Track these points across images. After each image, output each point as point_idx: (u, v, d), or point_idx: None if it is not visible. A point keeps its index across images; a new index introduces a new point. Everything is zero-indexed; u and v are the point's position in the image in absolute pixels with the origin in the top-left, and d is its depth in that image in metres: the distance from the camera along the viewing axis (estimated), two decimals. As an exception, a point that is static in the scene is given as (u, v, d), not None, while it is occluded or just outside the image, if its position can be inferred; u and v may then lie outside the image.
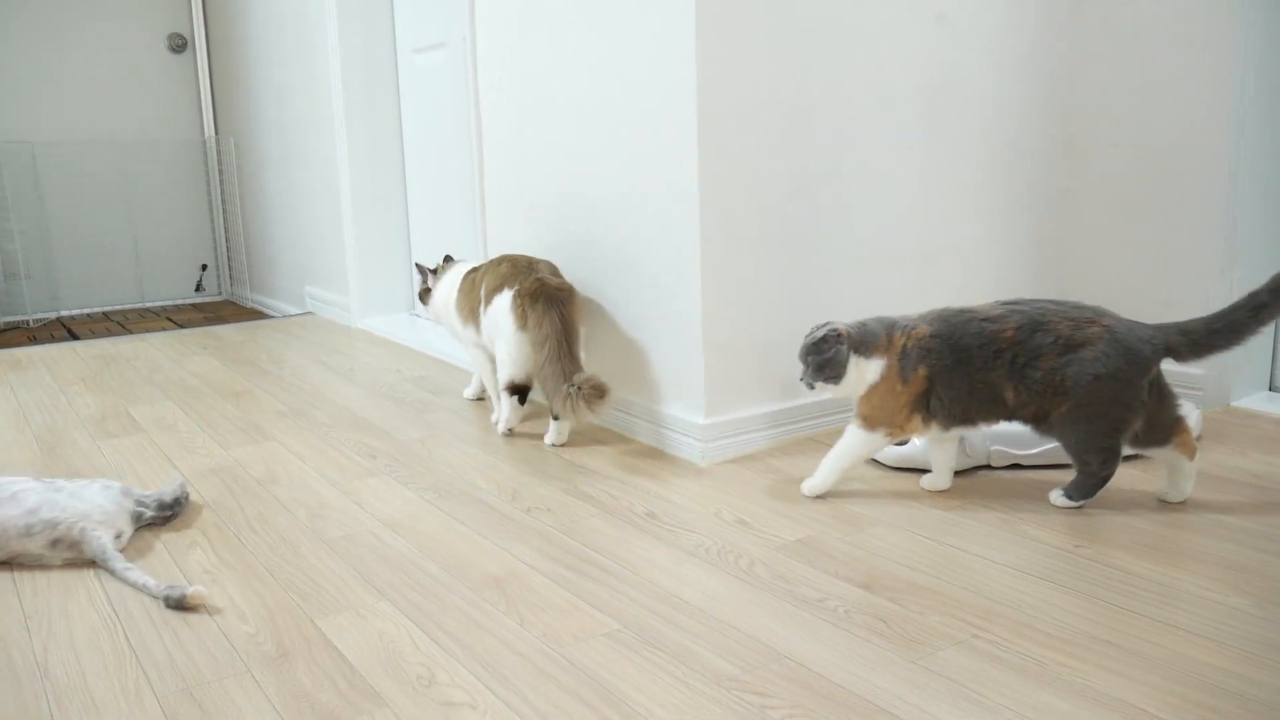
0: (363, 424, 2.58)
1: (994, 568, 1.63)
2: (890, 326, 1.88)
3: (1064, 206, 2.73)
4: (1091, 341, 1.75)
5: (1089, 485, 1.84)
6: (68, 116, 4.93)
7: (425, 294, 2.76)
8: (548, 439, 2.38)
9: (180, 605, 1.57)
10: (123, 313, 5.03)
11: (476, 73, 2.84)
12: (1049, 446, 2.06)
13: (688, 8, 2.05)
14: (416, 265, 2.84)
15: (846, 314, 2.35)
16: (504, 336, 2.37)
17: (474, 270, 2.59)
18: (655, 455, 2.26)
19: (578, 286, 2.54)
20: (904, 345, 1.86)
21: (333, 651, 1.43)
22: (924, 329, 1.85)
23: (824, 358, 1.87)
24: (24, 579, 1.70)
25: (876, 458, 2.13)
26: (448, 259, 2.77)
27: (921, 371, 1.83)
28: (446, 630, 1.48)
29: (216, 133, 5.23)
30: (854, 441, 1.91)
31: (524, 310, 2.32)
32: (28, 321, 4.75)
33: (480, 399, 2.79)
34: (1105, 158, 2.63)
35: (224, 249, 5.34)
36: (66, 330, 4.48)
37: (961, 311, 1.86)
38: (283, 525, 1.91)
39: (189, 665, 1.40)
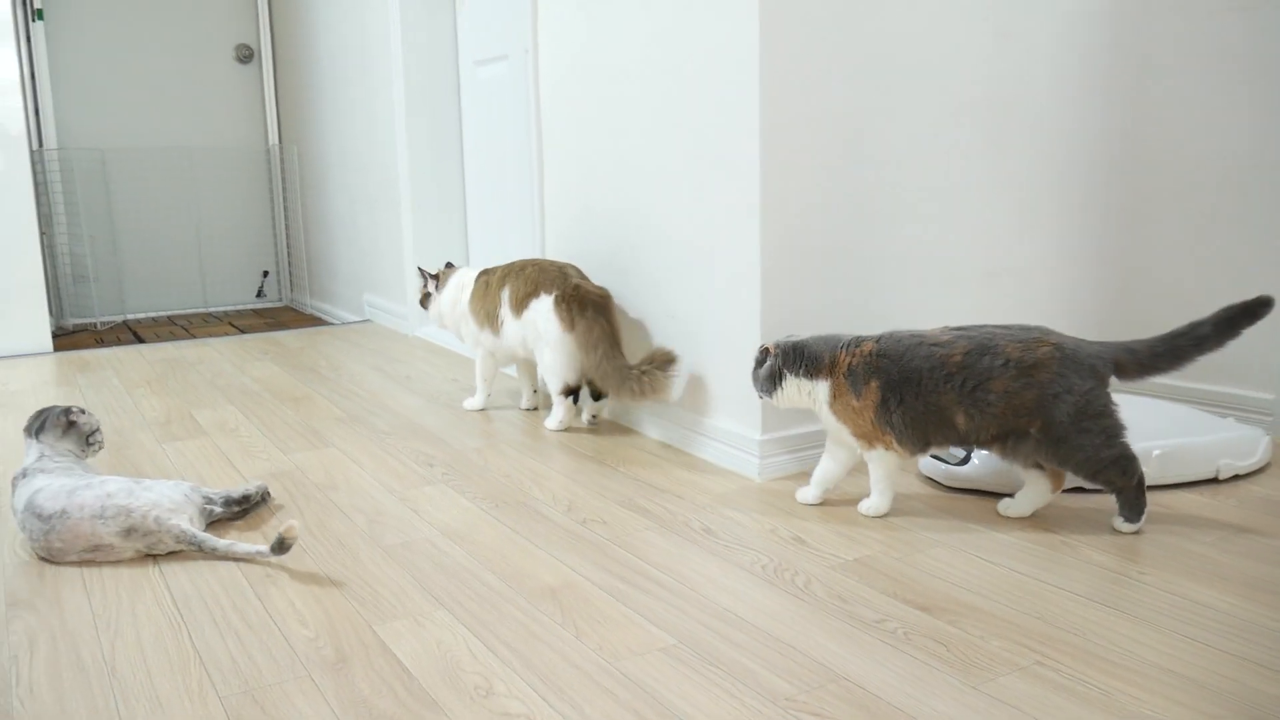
0: (420, 432, 2.61)
1: (1056, 593, 1.60)
2: (834, 347, 1.90)
3: (1130, 224, 2.68)
4: (1043, 362, 1.77)
5: (1133, 500, 1.82)
6: (137, 124, 5.05)
7: (426, 299, 2.87)
8: (584, 415, 2.62)
9: (281, 545, 1.73)
10: (186, 317, 5.13)
11: (538, 84, 2.86)
12: (1113, 470, 2.02)
13: (752, 22, 2.05)
14: (419, 269, 2.93)
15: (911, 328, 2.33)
16: (550, 341, 2.47)
17: (486, 273, 2.69)
18: (711, 470, 2.25)
19: (635, 298, 2.55)
20: (849, 364, 1.88)
21: (391, 658, 1.44)
22: (869, 345, 1.88)
23: (757, 372, 1.96)
24: (93, 581, 1.73)
25: (934, 478, 2.11)
26: (449, 265, 2.89)
27: (873, 384, 1.85)
28: (503, 640, 1.48)
29: (280, 141, 5.33)
30: (872, 463, 1.93)
31: (570, 315, 2.43)
32: (96, 324, 4.86)
33: (534, 408, 2.81)
34: (1172, 174, 2.58)
35: (285, 256, 5.43)
36: (132, 333, 4.58)
37: (911, 335, 1.88)
38: (342, 531, 1.93)
39: (250, 667, 1.42)
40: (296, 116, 5.11)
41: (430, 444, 2.49)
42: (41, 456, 1.91)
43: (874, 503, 1.95)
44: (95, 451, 2.02)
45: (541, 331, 2.48)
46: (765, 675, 1.37)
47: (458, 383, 3.15)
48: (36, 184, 4.03)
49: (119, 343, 4.20)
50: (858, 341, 1.89)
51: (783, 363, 1.92)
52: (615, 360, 2.40)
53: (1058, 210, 2.57)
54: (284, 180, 5.32)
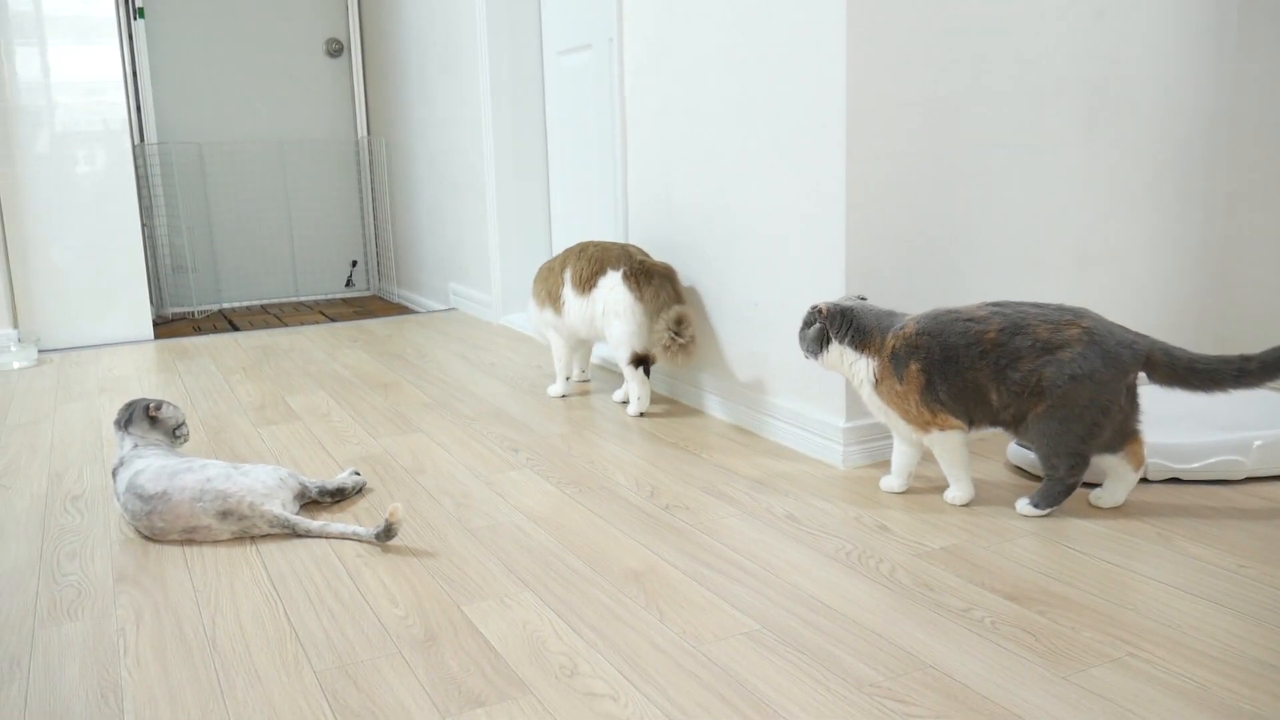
0: (504, 418, 2.64)
1: (1151, 584, 1.56)
2: (884, 326, 1.88)
3: (1230, 210, 2.59)
4: (1069, 343, 1.74)
5: (1056, 492, 1.82)
6: (232, 118, 5.19)
7: None
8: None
9: (388, 530, 1.79)
10: (279, 306, 5.27)
11: (623, 73, 2.87)
12: (1211, 461, 1.96)
13: (839, 5, 2.03)
14: None
15: (994, 318, 2.29)
16: (619, 312, 2.58)
17: (546, 265, 2.84)
18: (794, 457, 2.25)
19: (718, 287, 2.54)
20: (893, 347, 1.85)
21: (478, 637, 1.47)
22: (911, 328, 1.85)
23: (804, 331, 1.94)
24: (194, 559, 1.80)
25: (1022, 466, 2.07)
26: None
27: (914, 367, 1.83)
28: (588, 622, 1.50)
29: (369, 133, 5.43)
30: (935, 448, 1.91)
31: (638, 284, 2.56)
32: (193, 313, 5.02)
33: (585, 379, 3.01)
34: (1275, 158, 2.49)
35: (373, 246, 5.54)
36: (228, 322, 4.72)
37: (949, 312, 1.85)
38: (430, 514, 1.97)
39: (344, 643, 1.46)
40: (385, 109, 5.21)
41: (514, 429, 2.53)
42: (135, 445, 1.98)
43: (954, 492, 1.93)
44: (182, 443, 2.08)
45: (610, 305, 2.58)
46: (850, 662, 1.36)
47: (540, 369, 3.18)
48: (138, 177, 4.18)
49: (215, 330, 4.34)
50: (903, 323, 1.87)
51: (830, 326, 1.91)
52: (666, 326, 2.50)
53: (1153, 195, 2.50)
54: (372, 172, 5.43)
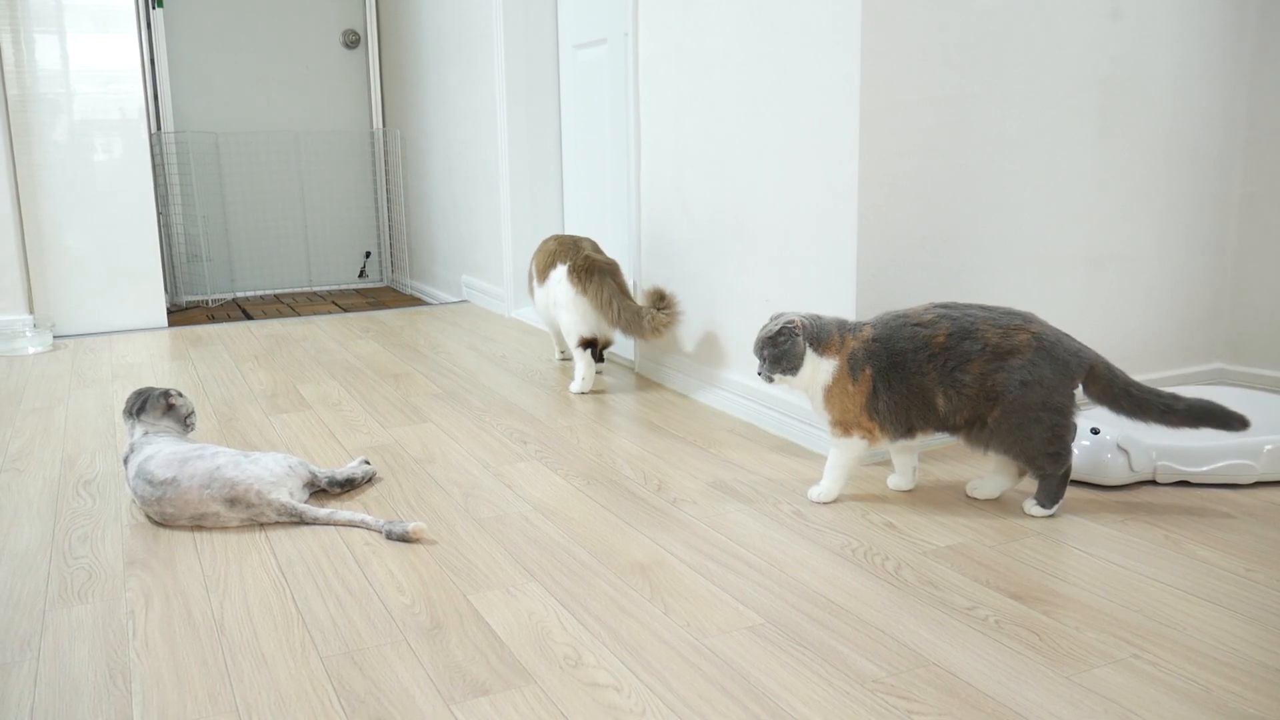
0: (514, 409, 2.65)
1: (1157, 587, 1.56)
2: (842, 327, 1.88)
3: (1247, 213, 2.58)
4: (1019, 349, 1.77)
5: (1054, 489, 1.84)
6: (248, 108, 5.21)
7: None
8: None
9: (403, 538, 1.79)
10: (292, 296, 5.29)
11: (637, 68, 2.87)
12: (1221, 464, 1.96)
13: (854, 3, 2.03)
14: None
15: (1005, 318, 2.29)
16: (565, 304, 2.81)
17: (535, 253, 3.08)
18: (802, 454, 2.25)
19: (729, 281, 2.55)
20: (853, 348, 1.86)
21: (484, 626, 1.48)
22: (867, 330, 1.86)
23: (780, 350, 1.87)
24: (204, 544, 1.81)
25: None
26: None
27: (868, 372, 1.84)
28: (593, 613, 1.51)
29: (384, 125, 5.45)
30: (837, 450, 1.92)
31: (581, 281, 2.78)
32: (207, 301, 5.05)
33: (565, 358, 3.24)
34: (1295, 161, 2.48)
35: (387, 238, 5.56)
36: (241, 310, 4.74)
37: (898, 316, 1.87)
38: (438, 503, 1.98)
39: (350, 630, 1.47)
40: (400, 101, 5.22)
41: (524, 421, 2.54)
42: (146, 433, 1.99)
43: (825, 489, 1.94)
44: (190, 431, 2.09)
45: (557, 296, 2.84)
46: (853, 657, 1.37)
47: (551, 363, 3.19)
48: (154, 166, 4.20)
49: (229, 319, 4.36)
50: (860, 326, 1.88)
51: (806, 338, 1.86)
52: (629, 307, 2.73)
53: (1168, 196, 2.49)
54: (387, 163, 5.44)
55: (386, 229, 5.54)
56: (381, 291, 5.39)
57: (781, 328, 1.86)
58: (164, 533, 1.86)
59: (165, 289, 4.23)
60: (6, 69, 3.74)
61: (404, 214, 5.35)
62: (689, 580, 1.62)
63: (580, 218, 3.89)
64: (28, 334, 3.63)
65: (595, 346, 2.86)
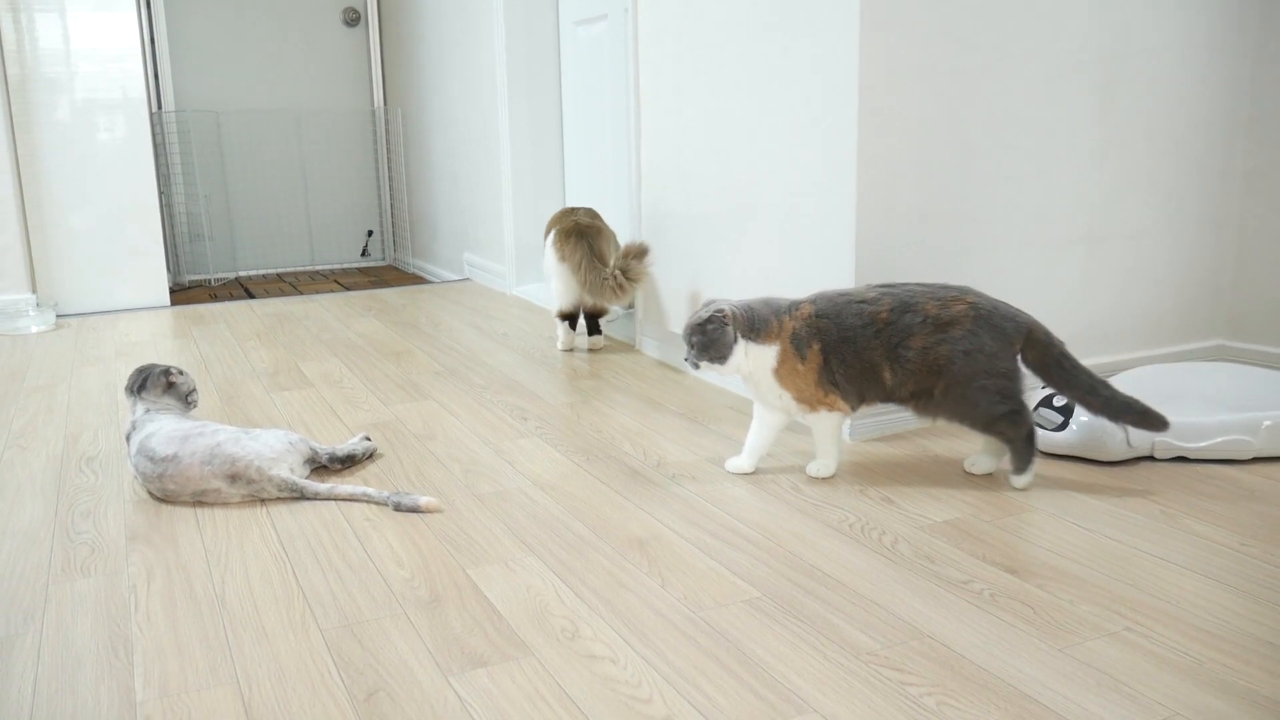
0: (515, 387, 2.66)
1: (1152, 561, 1.57)
2: (778, 311, 1.89)
3: (1250, 189, 2.57)
4: (958, 320, 1.80)
5: (1024, 451, 1.85)
6: (249, 87, 5.20)
7: None
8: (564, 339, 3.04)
9: (414, 509, 1.82)
10: (294, 275, 5.29)
11: (637, 43, 2.86)
12: (1219, 440, 1.96)
13: (852, -22, 2.02)
14: None
15: (1008, 295, 2.29)
16: (551, 272, 2.94)
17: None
18: (800, 430, 2.25)
19: (729, 257, 2.55)
20: (793, 329, 1.87)
21: (482, 600, 1.49)
22: (808, 308, 1.88)
23: (708, 338, 1.86)
24: (205, 519, 1.82)
25: (1031, 443, 2.07)
26: None
27: (815, 346, 1.85)
28: (590, 587, 1.52)
29: (385, 103, 5.44)
30: (816, 425, 1.93)
31: (561, 245, 2.88)
32: (209, 280, 5.05)
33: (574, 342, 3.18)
34: (1297, 137, 2.47)
35: (389, 216, 5.55)
36: (244, 289, 4.75)
37: (840, 294, 1.89)
38: (438, 479, 1.99)
39: (350, 603, 1.48)
40: (401, 79, 5.21)
41: (524, 398, 2.54)
42: (148, 410, 2.00)
43: (822, 464, 1.96)
44: (192, 408, 2.10)
45: (548, 264, 2.96)
46: (848, 630, 1.38)
47: (552, 340, 3.20)
48: (156, 145, 4.19)
49: (231, 298, 4.37)
50: (796, 305, 1.89)
51: (737, 328, 1.87)
52: (595, 271, 2.83)
53: (1171, 172, 2.48)
54: (388, 142, 5.43)
55: (388, 207, 5.54)
56: (383, 270, 5.40)
57: (711, 315, 1.86)
58: (165, 508, 1.87)
59: (168, 268, 4.23)
60: (7, 49, 3.73)
61: (405, 192, 5.34)
62: (686, 554, 1.63)
63: (581, 195, 3.89)
64: (31, 313, 3.64)
65: (576, 318, 3.01)
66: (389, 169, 5.48)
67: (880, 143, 2.09)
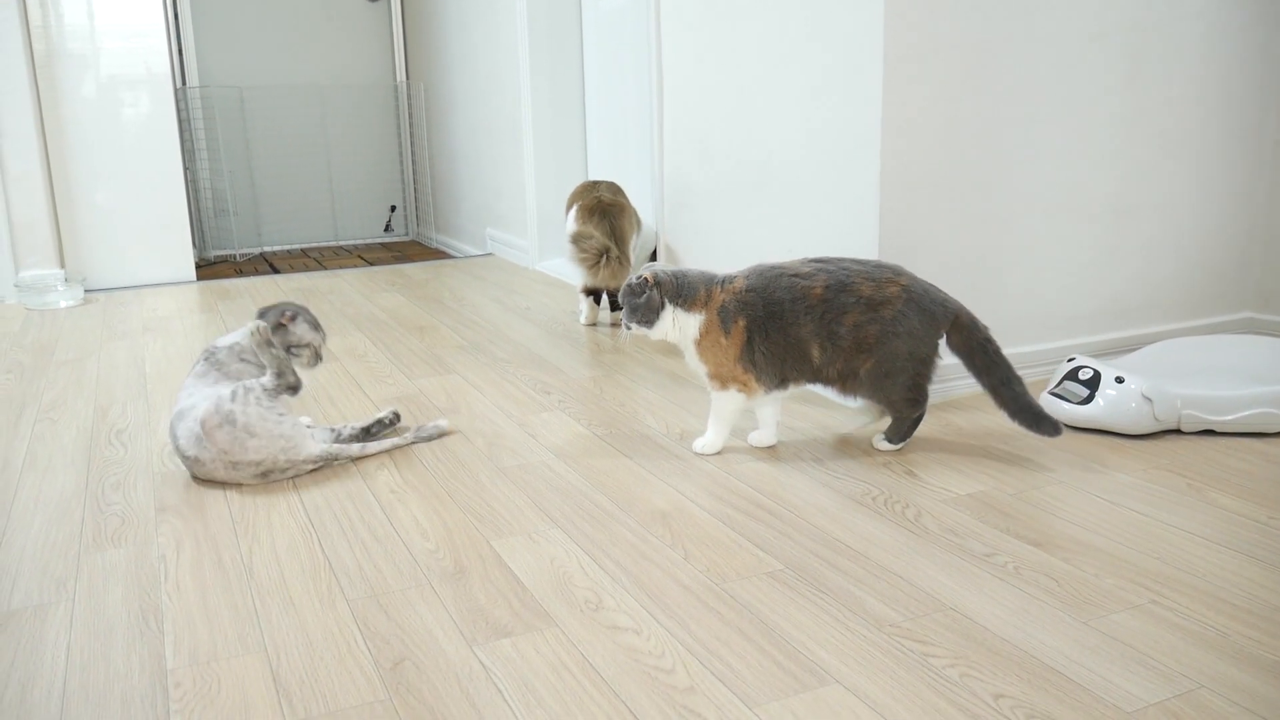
0: (538, 361, 2.67)
1: (1178, 534, 1.56)
2: (709, 281, 1.89)
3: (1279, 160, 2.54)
4: (890, 301, 1.81)
5: (905, 429, 1.92)
6: (272, 62, 5.21)
7: None
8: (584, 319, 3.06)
9: (440, 434, 2.05)
10: (319, 250, 5.32)
11: (659, 16, 2.85)
12: (1246, 413, 1.95)
13: (877, -53, 2.00)
14: None
15: (1032, 266, 2.27)
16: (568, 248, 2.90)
17: None
18: (822, 403, 2.25)
19: (751, 230, 2.54)
20: (722, 300, 1.86)
21: (506, 571, 1.50)
22: (740, 283, 1.87)
23: (637, 301, 1.88)
24: (233, 491, 1.84)
25: (1056, 417, 2.05)
26: None
27: (740, 323, 1.85)
28: (614, 559, 1.53)
29: (408, 78, 5.43)
30: (717, 402, 1.93)
31: (584, 222, 2.85)
32: (235, 256, 5.09)
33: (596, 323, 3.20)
34: (1331, 106, 2.43)
35: (412, 191, 5.56)
36: (268, 265, 4.77)
37: (773, 267, 1.88)
38: (462, 452, 2.00)
39: (376, 574, 1.50)
40: (423, 53, 5.20)
41: (547, 372, 2.55)
42: (206, 373, 1.90)
43: (709, 440, 1.96)
44: (283, 386, 1.89)
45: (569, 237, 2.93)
46: (871, 602, 1.38)
47: (575, 315, 3.20)
48: (180, 121, 4.21)
49: (256, 273, 4.39)
50: (730, 278, 1.89)
51: (664, 293, 1.87)
52: (609, 258, 2.80)
53: (1199, 142, 2.45)
54: (410, 117, 5.43)
55: (411, 183, 5.55)
56: (406, 245, 5.41)
57: (638, 279, 1.88)
58: (194, 481, 1.89)
59: (193, 243, 4.26)
60: (33, 25, 3.75)
61: (428, 168, 5.35)
62: (709, 527, 1.63)
63: (603, 169, 3.88)
64: (59, 288, 3.68)
65: (600, 294, 3.01)
66: (411, 144, 5.48)
67: (904, 112, 2.07)
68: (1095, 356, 2.31)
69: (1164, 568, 1.45)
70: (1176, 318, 2.52)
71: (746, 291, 1.86)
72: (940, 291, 1.86)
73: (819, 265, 1.87)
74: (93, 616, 1.41)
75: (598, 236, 2.82)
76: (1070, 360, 2.10)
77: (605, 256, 2.80)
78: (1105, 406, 1.97)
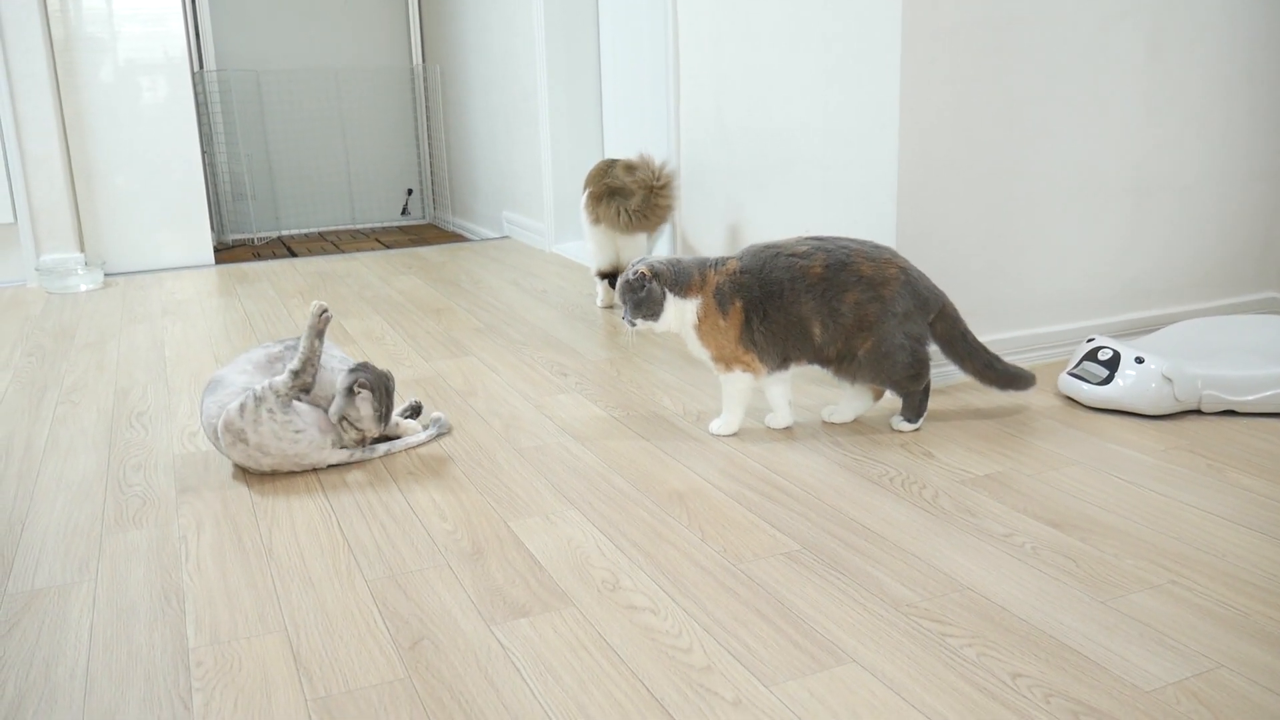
0: (554, 343, 2.67)
1: (1198, 514, 1.55)
2: (703, 265, 1.89)
3: (1303, 137, 2.51)
4: (890, 281, 1.83)
5: (918, 404, 1.93)
6: (289, 46, 5.21)
7: None
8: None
9: (448, 430, 2.00)
10: (336, 233, 5.33)
11: (675, -3, 2.83)
12: (1268, 393, 1.93)
13: (895, -77, 1.98)
14: None
15: (1052, 246, 2.26)
16: (585, 232, 2.94)
17: None
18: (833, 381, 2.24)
19: (769, 213, 2.53)
20: (717, 283, 1.86)
21: (523, 551, 1.50)
22: (734, 264, 1.88)
23: (639, 296, 1.86)
24: (251, 474, 1.85)
25: (1074, 397, 2.05)
26: None
27: (737, 304, 1.85)
28: (630, 539, 1.53)
29: (424, 61, 5.43)
30: (727, 384, 1.93)
31: (594, 208, 2.86)
32: (253, 239, 5.10)
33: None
34: (1356, 83, 2.39)
35: (428, 174, 5.57)
36: (286, 248, 4.79)
37: (769, 246, 1.89)
38: (479, 434, 2.01)
39: (394, 554, 1.51)
40: (439, 36, 5.19)
41: (564, 354, 2.55)
42: (247, 388, 1.82)
43: (725, 421, 1.96)
44: (349, 436, 1.86)
45: (583, 224, 2.94)
46: (888, 582, 1.38)
47: (591, 297, 3.20)
48: (198, 105, 4.22)
49: (274, 256, 4.41)
50: (723, 260, 1.89)
51: (663, 283, 1.86)
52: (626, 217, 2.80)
53: (1221, 122, 2.42)
54: (427, 100, 5.43)
55: (428, 166, 5.55)
56: (423, 228, 5.42)
57: (637, 274, 1.86)
58: (214, 462, 1.91)
59: (212, 227, 4.28)
60: (51, 10, 3.76)
61: (445, 150, 5.34)
62: (726, 508, 1.63)
63: (620, 151, 3.86)
64: (80, 272, 3.70)
65: (615, 276, 2.96)
66: (428, 127, 5.48)
67: (922, 93, 2.06)
68: (1115, 337, 2.29)
69: (1184, 548, 1.45)
70: (1197, 298, 2.50)
71: (741, 273, 1.86)
72: (929, 280, 1.89)
73: (816, 244, 1.87)
74: (115, 596, 1.42)
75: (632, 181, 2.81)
76: (1090, 341, 2.08)
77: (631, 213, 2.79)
78: (1125, 387, 1.96)
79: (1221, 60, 2.37)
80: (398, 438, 1.97)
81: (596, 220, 2.88)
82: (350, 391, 1.82)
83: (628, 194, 2.83)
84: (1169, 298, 2.46)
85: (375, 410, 1.84)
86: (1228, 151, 2.44)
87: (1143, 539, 1.48)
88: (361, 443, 1.89)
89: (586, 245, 2.99)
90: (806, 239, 1.90)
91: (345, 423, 1.85)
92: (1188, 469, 1.72)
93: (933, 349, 1.92)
